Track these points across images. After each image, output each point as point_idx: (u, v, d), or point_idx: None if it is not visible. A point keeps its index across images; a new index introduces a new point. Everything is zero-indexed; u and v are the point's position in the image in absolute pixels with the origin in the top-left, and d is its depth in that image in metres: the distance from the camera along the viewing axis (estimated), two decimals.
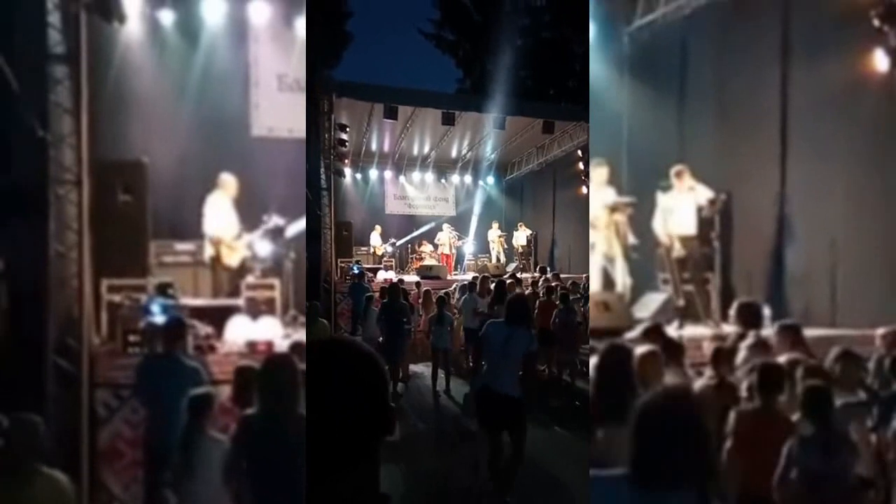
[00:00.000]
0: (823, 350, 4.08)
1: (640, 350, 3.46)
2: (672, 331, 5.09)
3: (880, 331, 3.93)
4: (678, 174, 5.15)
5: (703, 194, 5.07)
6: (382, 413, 1.16)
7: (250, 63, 5.67)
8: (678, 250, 4.90)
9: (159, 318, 4.36)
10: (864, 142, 4.91)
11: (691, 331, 5.02)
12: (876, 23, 4.73)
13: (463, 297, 9.31)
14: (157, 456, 3.85)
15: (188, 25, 5.55)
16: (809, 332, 4.78)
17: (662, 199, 5.21)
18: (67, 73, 4.58)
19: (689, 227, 5.08)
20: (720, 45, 5.62)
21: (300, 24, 5.49)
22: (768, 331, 4.02)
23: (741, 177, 5.32)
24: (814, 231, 5.18)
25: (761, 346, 3.57)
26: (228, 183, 5.25)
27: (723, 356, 3.35)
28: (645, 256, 5.26)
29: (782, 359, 3.23)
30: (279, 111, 5.58)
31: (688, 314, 5.01)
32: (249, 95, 5.67)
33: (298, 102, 5.73)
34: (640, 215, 5.12)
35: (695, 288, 5.07)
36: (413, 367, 8.67)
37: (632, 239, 4.99)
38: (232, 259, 5.19)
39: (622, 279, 4.91)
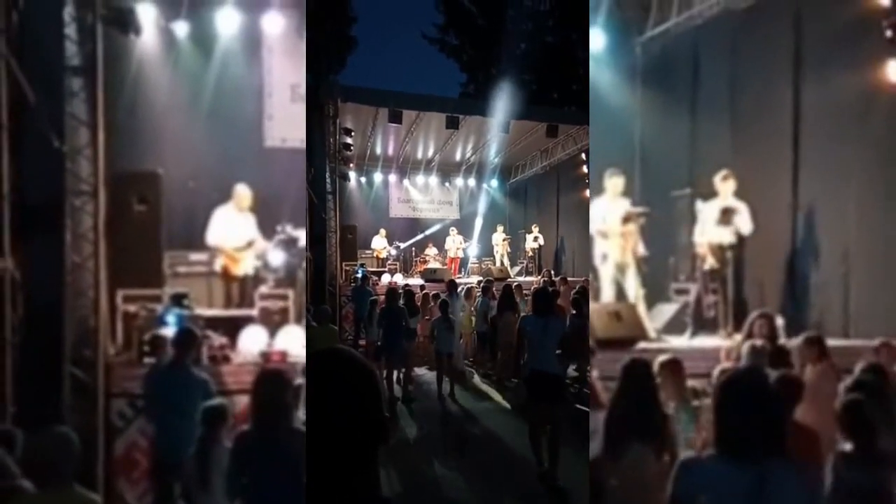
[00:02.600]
0: (836, 361, 4.12)
1: (661, 358, 3.49)
2: (683, 340, 5.12)
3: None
4: (725, 178, 5.01)
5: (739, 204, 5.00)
6: (377, 422, 1.19)
7: (264, 74, 5.70)
8: (712, 262, 4.87)
9: (172, 329, 4.38)
10: (876, 152, 4.93)
11: (703, 341, 5.05)
12: (888, 34, 4.76)
13: (479, 301, 9.39)
14: (165, 466, 3.88)
15: (202, 37, 5.56)
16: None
17: (705, 207, 5.09)
18: (83, 84, 4.61)
19: (730, 234, 5.00)
20: (732, 56, 5.63)
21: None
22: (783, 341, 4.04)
23: (754, 186, 5.33)
24: (826, 241, 5.19)
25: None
26: (239, 194, 5.23)
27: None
28: (656, 266, 5.27)
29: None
30: (292, 121, 5.60)
31: (704, 325, 5.02)
32: (263, 106, 5.70)
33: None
34: (653, 225, 5.13)
35: (720, 297, 5.04)
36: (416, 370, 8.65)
37: (642, 250, 5.00)
38: (237, 270, 5.19)
39: (634, 289, 4.92)
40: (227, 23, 5.59)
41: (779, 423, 1.73)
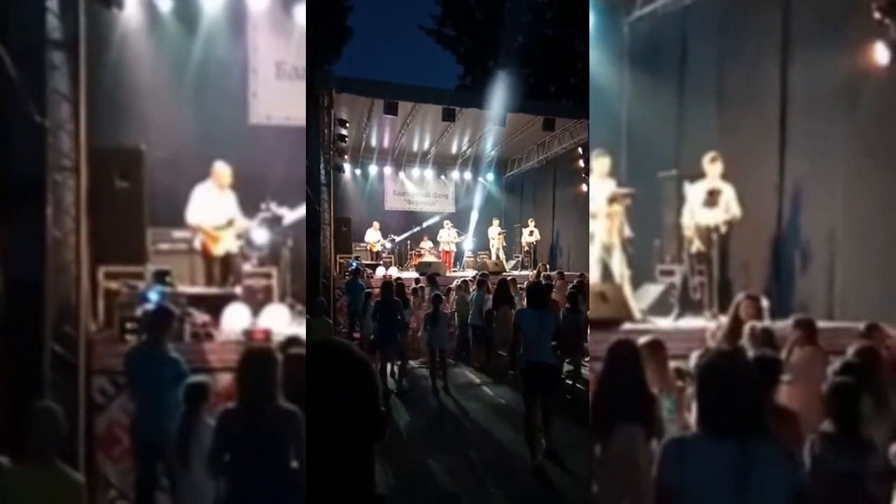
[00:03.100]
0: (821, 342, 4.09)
1: (643, 340, 3.47)
2: (668, 322, 5.10)
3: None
4: (713, 160, 4.97)
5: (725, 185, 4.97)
6: (373, 418, 1.17)
7: (249, 50, 5.66)
8: (699, 244, 4.84)
9: (151, 307, 4.36)
10: (863, 134, 4.90)
11: (689, 322, 5.03)
12: (876, 15, 4.72)
13: (470, 295, 9.39)
14: (142, 444, 3.87)
15: (187, 12, 5.52)
16: None
17: (692, 189, 5.06)
18: (65, 59, 4.56)
19: (719, 215, 4.96)
20: (720, 37, 5.60)
21: (299, 11, 5.47)
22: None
23: (740, 168, 5.30)
24: (813, 223, 5.17)
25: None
26: (218, 172, 5.17)
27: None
28: (643, 247, 5.25)
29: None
30: (277, 99, 5.57)
31: (690, 306, 5.00)
32: (248, 83, 5.66)
33: (297, 90, 5.71)
34: (639, 206, 5.10)
35: (705, 278, 5.01)
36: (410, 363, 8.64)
37: (627, 231, 4.97)
38: (217, 249, 5.16)
39: (619, 270, 4.90)
40: None
41: (759, 402, 1.78)
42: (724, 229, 4.98)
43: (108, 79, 5.01)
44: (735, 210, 4.99)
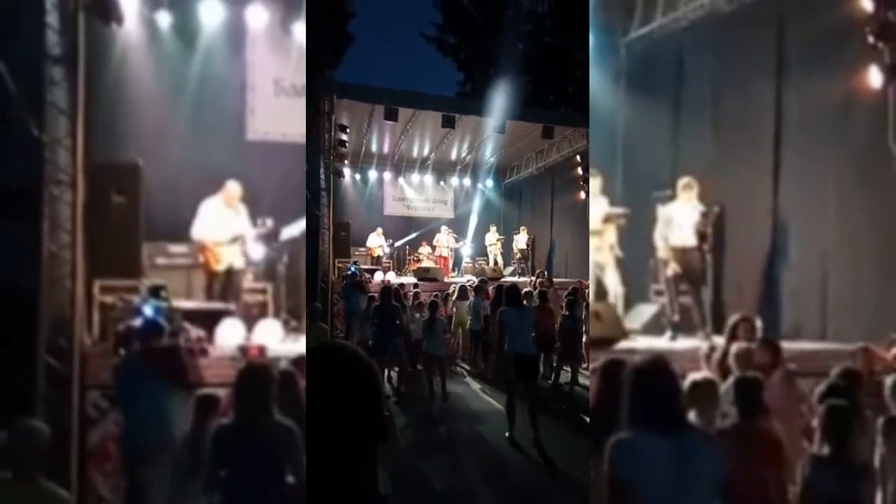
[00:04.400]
0: (813, 364, 4.11)
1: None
2: (664, 342, 5.11)
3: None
4: (687, 186, 5.05)
5: (700, 208, 5.03)
6: (377, 420, 1.18)
7: (247, 67, 5.68)
8: (674, 266, 4.88)
9: (144, 321, 4.37)
10: (856, 157, 4.92)
11: (685, 343, 5.04)
12: (870, 39, 4.75)
13: (468, 301, 9.44)
14: (131, 459, 3.86)
15: (185, 28, 5.55)
16: (800, 346, 4.81)
17: (663, 211, 5.15)
18: (64, 74, 4.59)
19: (691, 238, 5.03)
20: (716, 58, 5.62)
21: (298, 28, 5.50)
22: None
23: (734, 190, 5.33)
24: (806, 244, 5.18)
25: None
26: (228, 190, 5.21)
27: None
28: (638, 267, 5.27)
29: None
30: (275, 115, 5.59)
31: (682, 327, 5.01)
32: (246, 99, 5.68)
33: (295, 106, 5.73)
34: (635, 226, 5.12)
35: (692, 300, 5.04)
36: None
37: (617, 251, 4.99)
38: (218, 265, 5.18)
39: (613, 289, 4.92)
40: (211, 15, 5.57)
41: (681, 401, 2.11)
42: (697, 251, 4.97)
43: (106, 94, 5.03)
44: (691, 238, 4.96)
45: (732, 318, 4.12)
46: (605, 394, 3.19)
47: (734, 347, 3.73)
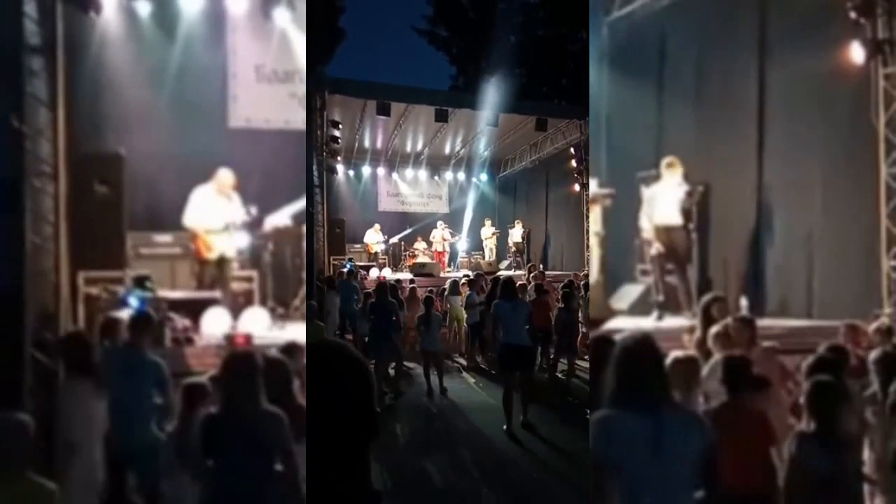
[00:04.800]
0: (799, 341, 4.10)
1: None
2: (651, 322, 5.10)
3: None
4: (670, 165, 5.06)
5: (684, 187, 5.02)
6: (368, 417, 1.19)
7: (228, 54, 5.66)
8: (659, 246, 4.87)
9: (130, 311, 4.35)
10: (841, 133, 4.90)
11: (671, 322, 5.03)
12: (853, 15, 4.73)
13: (460, 296, 9.43)
14: (117, 450, 3.83)
15: (165, 16, 5.52)
16: (787, 323, 4.80)
17: (647, 191, 5.16)
18: (44, 64, 4.57)
19: (675, 217, 5.03)
20: (698, 37, 5.60)
21: (279, 14, 5.47)
22: None
23: (719, 168, 5.30)
24: (791, 223, 5.17)
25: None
26: (220, 177, 5.12)
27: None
28: (624, 247, 5.25)
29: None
30: (257, 102, 5.57)
31: (668, 306, 4.99)
32: (227, 86, 5.66)
33: (277, 93, 5.71)
34: (619, 206, 5.10)
35: (678, 279, 5.03)
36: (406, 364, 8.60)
37: (599, 229, 4.97)
38: (209, 253, 5.15)
39: (597, 269, 4.90)
40: (190, 2, 5.53)
41: (666, 377, 2.06)
42: (682, 230, 4.95)
43: (87, 84, 5.01)
44: (675, 217, 4.94)
45: (705, 298, 4.09)
46: (597, 375, 3.19)
47: (713, 329, 3.72)
